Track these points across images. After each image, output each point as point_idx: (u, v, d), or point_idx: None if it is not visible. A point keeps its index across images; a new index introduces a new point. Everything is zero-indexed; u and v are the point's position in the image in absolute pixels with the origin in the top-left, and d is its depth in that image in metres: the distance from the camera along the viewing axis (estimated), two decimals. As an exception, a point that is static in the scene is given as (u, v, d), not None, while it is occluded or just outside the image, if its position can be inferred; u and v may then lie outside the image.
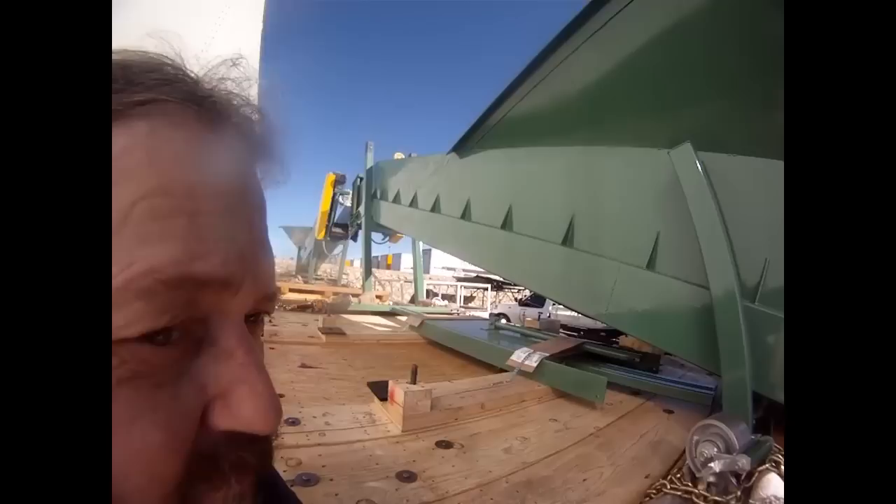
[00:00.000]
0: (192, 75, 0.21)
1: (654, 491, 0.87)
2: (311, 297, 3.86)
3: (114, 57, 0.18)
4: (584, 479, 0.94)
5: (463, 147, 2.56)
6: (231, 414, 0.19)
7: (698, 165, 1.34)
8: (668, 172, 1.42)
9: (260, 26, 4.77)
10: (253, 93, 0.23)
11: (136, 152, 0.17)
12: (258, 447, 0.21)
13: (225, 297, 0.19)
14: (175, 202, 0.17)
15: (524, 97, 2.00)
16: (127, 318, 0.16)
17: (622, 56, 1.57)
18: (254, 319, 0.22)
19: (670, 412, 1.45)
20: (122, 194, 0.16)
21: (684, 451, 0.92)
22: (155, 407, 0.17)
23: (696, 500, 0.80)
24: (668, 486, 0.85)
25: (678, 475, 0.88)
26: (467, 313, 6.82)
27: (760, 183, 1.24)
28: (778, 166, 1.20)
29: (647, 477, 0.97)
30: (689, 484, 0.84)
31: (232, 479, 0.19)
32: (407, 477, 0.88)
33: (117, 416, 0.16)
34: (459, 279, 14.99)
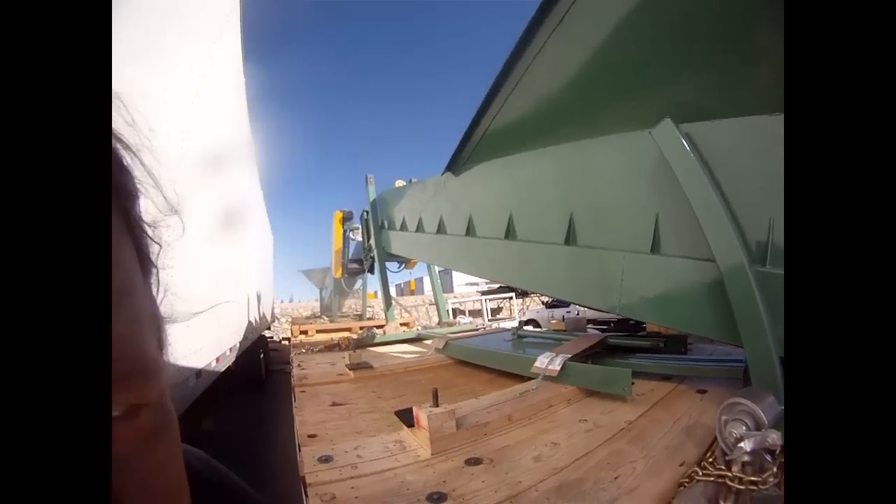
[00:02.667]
0: None
1: (687, 479, 0.84)
2: (337, 336, 3.91)
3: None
4: (616, 477, 0.91)
5: (455, 165, 2.59)
6: None
7: (682, 139, 1.32)
8: (655, 152, 1.41)
9: (243, 79, 4.91)
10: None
11: None
12: None
13: None
14: None
15: (503, 105, 2.03)
16: None
17: (590, 44, 1.57)
18: None
19: (703, 392, 1.40)
20: None
21: (717, 433, 0.88)
22: None
23: (730, 483, 0.77)
24: (701, 473, 0.81)
25: (711, 459, 0.85)
26: (495, 325, 6.75)
27: (749, 142, 1.21)
28: (762, 122, 1.17)
29: (681, 465, 0.93)
30: (723, 467, 0.81)
31: None
32: (437, 498, 0.88)
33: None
34: (483, 293, 14.91)
